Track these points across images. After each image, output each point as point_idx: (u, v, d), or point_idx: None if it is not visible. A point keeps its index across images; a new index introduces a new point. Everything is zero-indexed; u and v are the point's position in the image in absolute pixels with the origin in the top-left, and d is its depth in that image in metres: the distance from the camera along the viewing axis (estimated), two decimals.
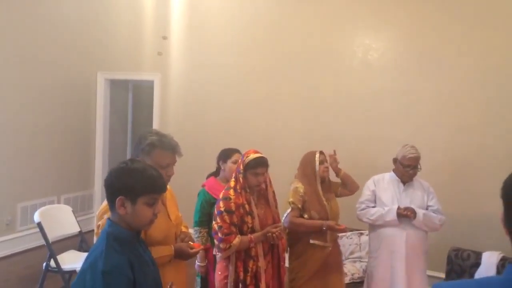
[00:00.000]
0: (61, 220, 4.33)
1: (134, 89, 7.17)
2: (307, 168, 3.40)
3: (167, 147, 2.37)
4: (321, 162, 3.38)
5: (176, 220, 2.47)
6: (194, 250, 2.37)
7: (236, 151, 3.63)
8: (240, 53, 5.57)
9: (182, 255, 2.33)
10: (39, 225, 3.99)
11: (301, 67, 5.22)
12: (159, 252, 2.22)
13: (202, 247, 2.51)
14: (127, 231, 1.78)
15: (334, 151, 3.61)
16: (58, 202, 5.89)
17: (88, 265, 1.68)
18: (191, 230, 2.83)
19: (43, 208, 4.26)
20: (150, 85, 6.24)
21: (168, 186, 2.58)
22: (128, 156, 6.20)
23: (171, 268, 2.31)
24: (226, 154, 3.64)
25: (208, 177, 3.85)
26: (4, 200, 5.34)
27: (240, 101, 5.59)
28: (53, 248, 4.01)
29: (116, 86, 6.73)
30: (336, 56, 5.06)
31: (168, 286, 2.05)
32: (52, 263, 3.94)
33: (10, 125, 5.37)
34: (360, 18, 4.97)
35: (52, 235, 4.11)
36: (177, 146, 2.43)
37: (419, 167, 3.45)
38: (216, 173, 3.76)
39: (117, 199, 1.75)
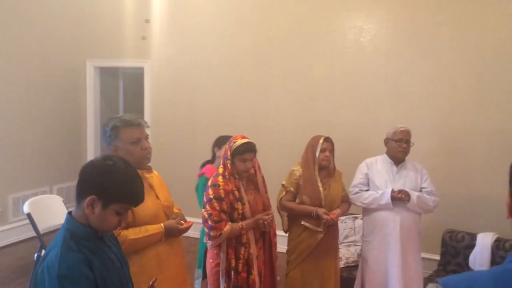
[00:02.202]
0: (52, 210, 4.26)
1: (124, 77, 7.07)
2: (309, 152, 3.37)
3: (131, 123, 2.37)
4: (322, 150, 3.31)
5: (166, 201, 2.50)
6: (183, 226, 2.42)
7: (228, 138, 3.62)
8: (229, 36, 5.46)
9: (172, 232, 2.39)
10: (29, 216, 3.94)
11: (292, 50, 5.13)
12: (149, 230, 2.30)
13: (191, 222, 2.52)
14: (85, 228, 1.63)
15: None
16: (51, 193, 5.83)
17: (45, 265, 1.55)
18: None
19: (32, 198, 4.20)
20: (140, 72, 6.15)
21: (155, 172, 2.61)
22: None
23: (165, 246, 2.39)
24: (221, 141, 3.65)
25: (203, 165, 3.84)
26: None
27: (231, 86, 5.50)
28: (44, 239, 3.96)
29: (106, 74, 6.63)
30: (328, 39, 4.97)
31: (151, 283, 1.98)
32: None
33: (0, 115, 5.28)
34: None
35: (43, 226, 4.06)
36: (140, 119, 2.42)
37: (411, 142, 3.41)
38: (212, 161, 3.79)
39: (89, 197, 1.59)
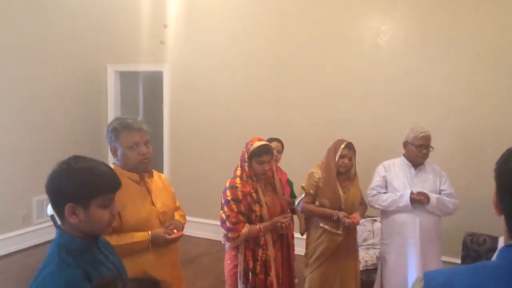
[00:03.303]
0: None
1: (144, 81, 7.17)
2: (330, 155, 3.34)
3: (130, 127, 2.34)
4: (342, 156, 3.27)
5: (163, 207, 2.42)
6: (171, 236, 2.30)
7: (275, 139, 3.92)
8: (246, 39, 5.49)
9: (158, 241, 2.29)
10: (52, 217, 4.03)
11: (309, 51, 5.14)
12: (134, 237, 2.23)
13: (180, 233, 2.39)
14: (80, 240, 1.55)
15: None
16: None
17: (40, 283, 1.45)
18: None
19: None
20: (160, 76, 6.23)
21: (162, 175, 2.60)
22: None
23: (152, 256, 2.29)
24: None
25: None
26: (20, 194, 5.40)
27: (248, 88, 5.53)
28: None
29: (126, 78, 6.74)
30: (345, 40, 4.96)
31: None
32: None
33: (24, 119, 5.41)
34: (368, 0, 4.85)
35: None
36: (141, 123, 2.39)
37: (431, 147, 3.37)
38: None
39: (66, 206, 1.50)
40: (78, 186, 1.51)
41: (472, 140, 4.44)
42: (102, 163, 1.62)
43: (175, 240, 2.36)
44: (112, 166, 2.36)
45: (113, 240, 2.11)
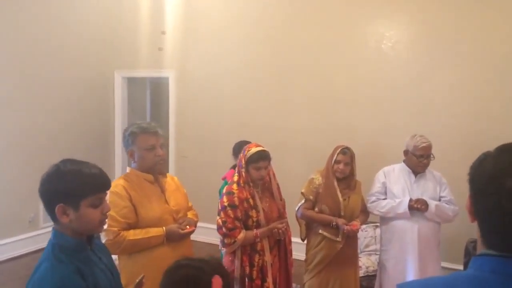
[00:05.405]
0: None
1: (151, 86, 7.23)
2: (329, 161, 3.35)
3: (148, 131, 2.53)
4: (337, 162, 3.28)
5: (176, 206, 2.61)
6: (184, 231, 2.51)
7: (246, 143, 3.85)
8: (251, 46, 5.52)
9: (173, 236, 2.49)
10: None
11: (313, 58, 5.15)
12: (149, 233, 2.43)
13: (193, 228, 2.60)
14: (73, 240, 1.59)
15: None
16: None
17: (36, 280, 1.52)
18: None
19: None
20: (166, 82, 6.28)
21: (174, 177, 2.77)
22: None
23: (168, 250, 2.47)
24: (237, 149, 3.89)
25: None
26: (27, 198, 5.46)
27: (253, 94, 5.55)
28: None
29: (134, 84, 6.80)
30: (349, 45, 4.96)
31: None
32: None
33: (31, 125, 5.50)
34: (372, 6, 4.85)
35: None
36: (156, 127, 2.58)
37: (432, 156, 3.34)
38: (234, 166, 4.02)
39: (57, 207, 1.54)
40: (67, 187, 1.56)
41: (478, 147, 4.31)
42: (92, 165, 1.66)
43: (188, 234, 2.57)
44: (128, 170, 2.58)
45: (130, 234, 2.36)
